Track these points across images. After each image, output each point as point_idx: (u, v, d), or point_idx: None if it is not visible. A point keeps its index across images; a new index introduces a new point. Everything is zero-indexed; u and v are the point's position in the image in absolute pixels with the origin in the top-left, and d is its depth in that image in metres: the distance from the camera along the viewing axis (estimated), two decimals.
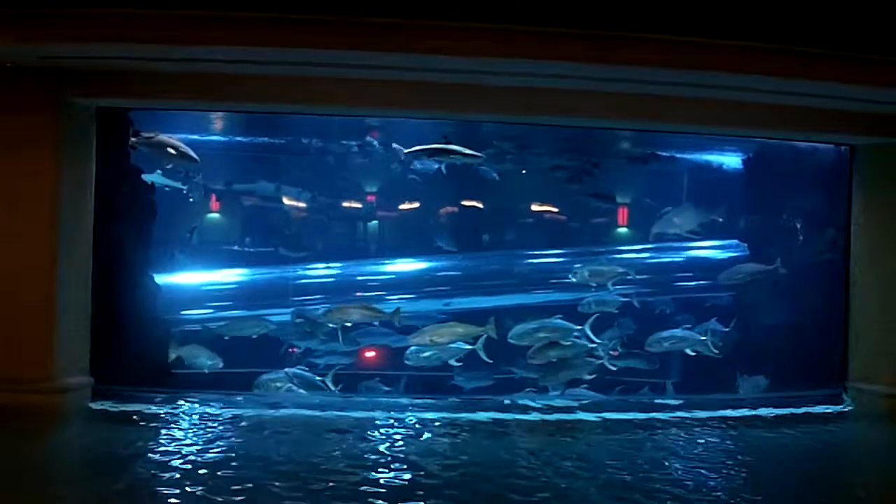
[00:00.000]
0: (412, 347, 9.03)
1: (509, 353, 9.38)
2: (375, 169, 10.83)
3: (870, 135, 8.43)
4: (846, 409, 8.54)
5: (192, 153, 8.74)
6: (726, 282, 10.08)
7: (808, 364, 9.19)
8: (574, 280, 9.80)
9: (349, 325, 9.14)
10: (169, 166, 9.03)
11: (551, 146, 10.37)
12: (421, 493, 5.33)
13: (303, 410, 7.76)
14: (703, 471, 6.14)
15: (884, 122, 8.15)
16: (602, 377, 9.41)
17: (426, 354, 9.01)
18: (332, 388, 8.81)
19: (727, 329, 9.61)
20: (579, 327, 9.14)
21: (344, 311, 9.06)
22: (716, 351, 9.37)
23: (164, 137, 8.69)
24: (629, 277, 9.93)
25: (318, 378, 8.89)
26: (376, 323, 9.18)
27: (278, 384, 8.70)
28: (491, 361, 9.03)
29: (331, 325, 9.16)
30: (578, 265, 9.91)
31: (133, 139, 8.38)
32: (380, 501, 5.12)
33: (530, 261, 10.69)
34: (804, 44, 6.82)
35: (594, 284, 9.75)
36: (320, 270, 10.36)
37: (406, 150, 9.22)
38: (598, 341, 9.21)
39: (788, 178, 9.91)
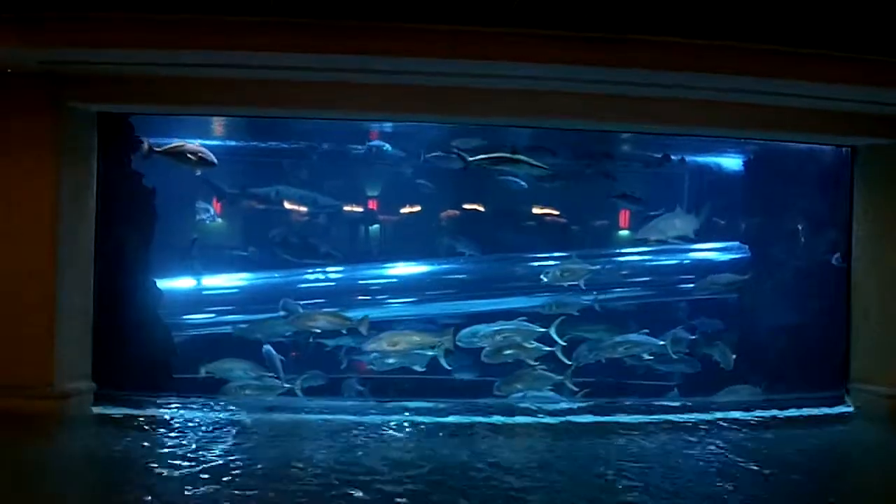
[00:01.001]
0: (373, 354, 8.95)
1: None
2: (388, 173, 10.76)
3: (871, 136, 8.43)
4: (848, 411, 8.55)
5: (210, 156, 8.70)
6: (704, 291, 10.04)
7: (809, 367, 9.21)
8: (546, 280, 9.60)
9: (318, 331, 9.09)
10: (198, 173, 8.98)
11: (569, 150, 10.25)
12: None
13: (309, 415, 7.80)
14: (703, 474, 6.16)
15: (885, 123, 8.16)
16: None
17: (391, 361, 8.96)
18: (300, 393, 8.81)
19: (693, 336, 9.53)
20: (542, 329, 8.93)
21: (311, 318, 9.04)
22: (675, 357, 9.26)
23: (185, 145, 8.66)
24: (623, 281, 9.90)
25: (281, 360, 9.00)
26: (344, 331, 9.09)
27: (247, 392, 8.67)
28: (450, 368, 8.92)
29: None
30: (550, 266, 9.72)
31: (154, 150, 8.36)
32: None
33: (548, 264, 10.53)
34: (805, 45, 6.83)
35: (566, 284, 9.55)
36: (327, 275, 10.31)
37: (471, 159, 9.16)
38: (563, 343, 8.97)
39: (790, 179, 9.89)
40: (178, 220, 9.74)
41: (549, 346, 8.94)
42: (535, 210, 11.25)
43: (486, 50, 6.58)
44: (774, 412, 8.30)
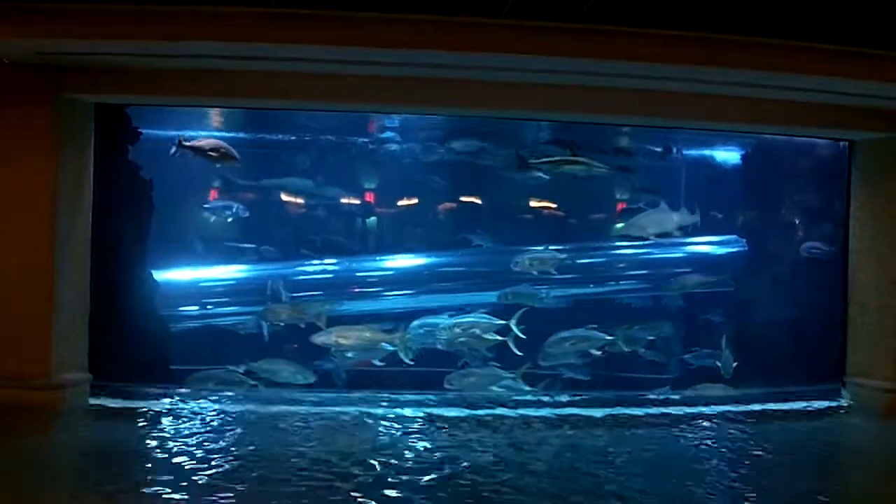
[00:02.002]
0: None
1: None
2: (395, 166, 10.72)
3: (869, 130, 8.44)
4: (844, 405, 8.57)
5: (233, 152, 8.70)
6: (676, 290, 10.02)
7: (804, 361, 9.22)
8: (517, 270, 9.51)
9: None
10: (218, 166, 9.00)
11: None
12: None
13: (308, 408, 7.79)
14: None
15: (883, 117, 8.17)
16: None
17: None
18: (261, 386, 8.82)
19: (652, 338, 9.50)
20: (501, 322, 8.78)
21: (273, 311, 9.13)
22: (627, 351, 9.20)
23: (207, 140, 8.65)
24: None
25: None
26: (302, 325, 9.02)
27: (211, 384, 8.63)
28: (412, 362, 8.77)
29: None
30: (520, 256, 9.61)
31: (183, 144, 8.39)
32: None
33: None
34: (803, 39, 6.83)
35: (535, 272, 9.48)
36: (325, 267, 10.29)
37: (533, 161, 9.13)
38: (524, 336, 8.76)
39: (787, 173, 9.89)
40: (176, 211, 9.71)
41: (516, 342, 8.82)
42: (551, 203, 11.22)
43: (486, 42, 6.56)
44: (769, 406, 8.33)
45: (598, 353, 9.14)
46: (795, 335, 9.51)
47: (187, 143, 8.43)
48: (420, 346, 8.87)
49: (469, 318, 8.88)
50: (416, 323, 8.88)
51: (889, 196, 8.54)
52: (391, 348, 8.73)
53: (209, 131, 9.72)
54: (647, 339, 9.53)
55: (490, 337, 8.80)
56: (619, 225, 9.68)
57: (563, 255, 9.58)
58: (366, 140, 10.31)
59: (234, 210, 10.12)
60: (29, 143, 7.34)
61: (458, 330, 8.82)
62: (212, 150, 8.50)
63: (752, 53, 6.85)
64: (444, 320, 8.87)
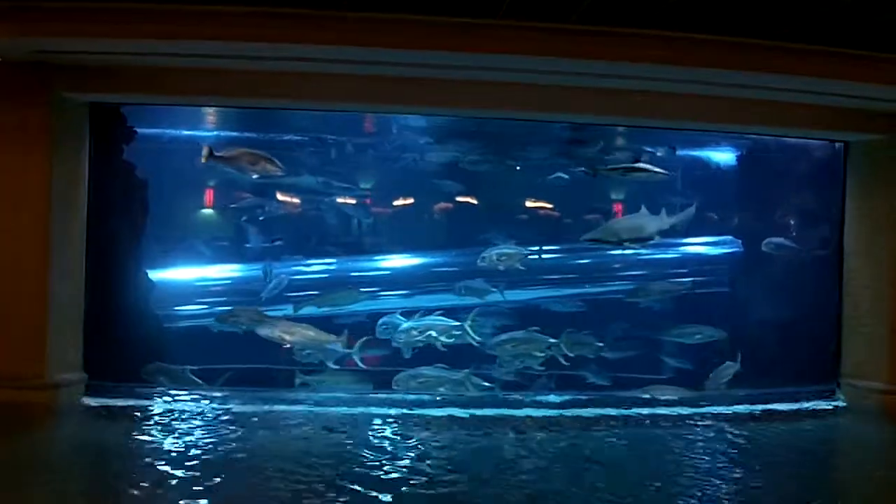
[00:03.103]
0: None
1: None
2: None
3: (864, 131, 8.48)
4: (839, 405, 8.59)
5: (276, 161, 8.54)
6: (646, 296, 9.91)
7: (799, 362, 9.21)
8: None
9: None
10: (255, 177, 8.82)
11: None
12: None
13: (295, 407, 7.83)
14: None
15: (877, 119, 8.22)
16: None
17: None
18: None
19: (601, 343, 9.30)
20: (457, 323, 8.72)
21: (234, 315, 8.99)
22: (571, 355, 8.99)
23: (242, 150, 8.54)
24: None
25: None
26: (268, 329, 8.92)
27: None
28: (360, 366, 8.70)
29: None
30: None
31: (214, 154, 8.28)
32: None
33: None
34: (800, 40, 6.85)
35: (502, 268, 9.32)
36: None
37: (603, 170, 9.20)
38: (478, 339, 8.71)
39: (782, 174, 9.91)
40: (170, 211, 9.66)
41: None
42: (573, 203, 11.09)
43: (483, 42, 6.59)
44: (765, 406, 8.34)
45: (541, 355, 8.99)
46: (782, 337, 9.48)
47: (218, 154, 8.35)
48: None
49: (426, 319, 8.81)
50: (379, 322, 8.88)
51: (884, 197, 8.57)
52: (343, 349, 8.59)
53: (208, 131, 9.71)
54: (596, 343, 9.27)
55: (445, 339, 8.73)
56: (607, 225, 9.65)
57: (528, 253, 9.47)
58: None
59: (265, 209, 10.03)
60: (24, 141, 7.32)
61: (414, 332, 8.76)
62: (253, 161, 8.41)
63: (747, 55, 6.90)
64: (402, 321, 8.83)
